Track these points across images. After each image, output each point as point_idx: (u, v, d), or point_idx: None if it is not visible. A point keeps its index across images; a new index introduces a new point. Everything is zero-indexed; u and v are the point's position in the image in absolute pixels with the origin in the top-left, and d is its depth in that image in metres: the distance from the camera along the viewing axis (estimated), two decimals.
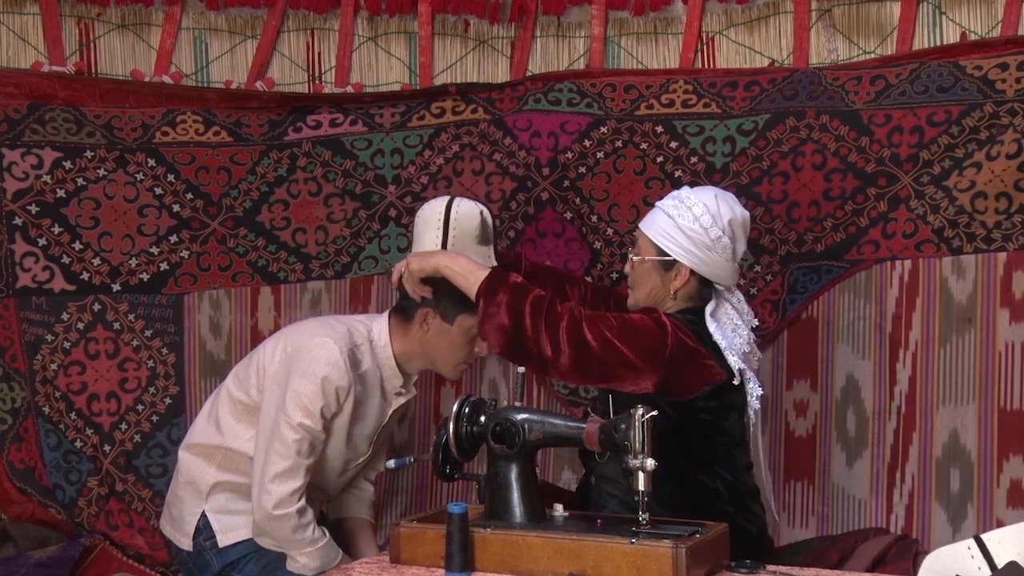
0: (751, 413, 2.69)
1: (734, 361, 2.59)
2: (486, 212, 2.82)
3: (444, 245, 2.74)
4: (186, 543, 2.75)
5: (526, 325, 2.45)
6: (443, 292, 2.71)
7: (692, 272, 2.65)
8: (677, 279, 2.66)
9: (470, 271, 2.57)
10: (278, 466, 2.62)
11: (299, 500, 2.62)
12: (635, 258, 2.72)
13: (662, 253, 2.66)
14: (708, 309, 2.64)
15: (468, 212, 2.77)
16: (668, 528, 2.23)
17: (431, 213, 2.78)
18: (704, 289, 2.68)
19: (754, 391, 2.66)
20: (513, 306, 2.45)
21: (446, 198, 2.80)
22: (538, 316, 2.45)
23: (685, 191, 2.70)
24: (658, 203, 2.72)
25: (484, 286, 2.52)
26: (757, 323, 2.77)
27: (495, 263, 2.79)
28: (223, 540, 2.72)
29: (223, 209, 3.42)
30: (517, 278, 2.55)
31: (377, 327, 2.81)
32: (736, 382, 2.59)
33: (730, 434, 2.65)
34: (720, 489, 2.60)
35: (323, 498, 2.93)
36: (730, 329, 2.65)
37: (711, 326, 2.61)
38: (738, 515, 2.59)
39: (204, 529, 2.73)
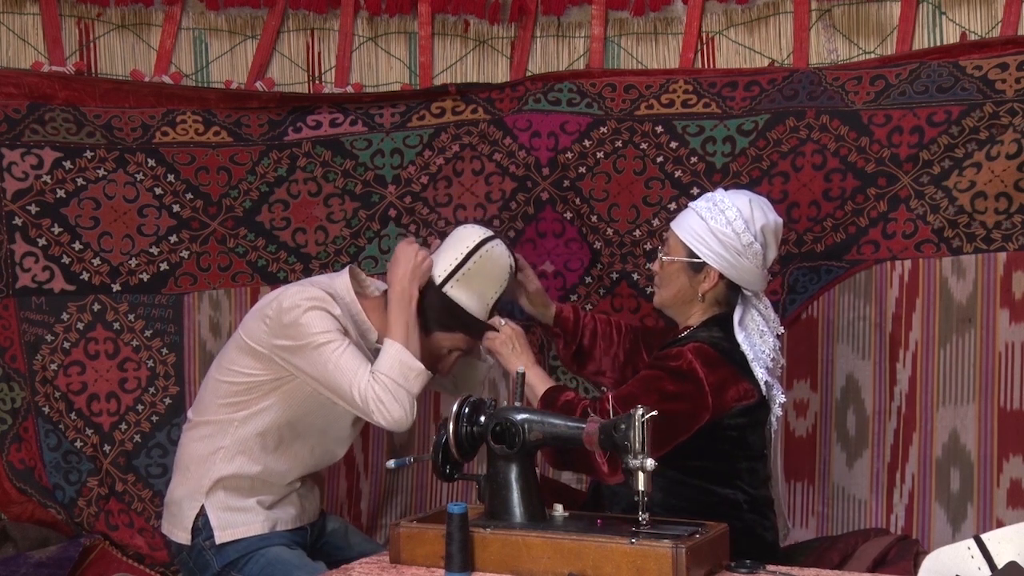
0: (773, 420, 2.69)
1: (760, 373, 2.59)
2: (512, 269, 2.79)
3: (456, 270, 2.73)
4: (184, 537, 2.74)
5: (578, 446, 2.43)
6: (430, 305, 2.73)
7: (720, 276, 2.64)
8: (705, 282, 2.65)
9: (533, 384, 2.63)
10: (347, 384, 2.60)
11: (374, 380, 2.59)
12: (664, 258, 2.72)
13: (692, 255, 2.65)
14: (736, 316, 2.64)
15: (496, 257, 2.76)
16: (668, 528, 2.23)
17: (466, 235, 2.78)
18: (731, 294, 2.67)
19: (778, 399, 2.66)
20: None
21: (487, 233, 2.78)
22: None
23: (719, 193, 2.68)
24: (691, 203, 2.71)
25: (540, 405, 2.58)
26: (783, 330, 2.75)
27: (493, 313, 2.79)
28: (220, 537, 2.71)
29: (223, 209, 3.42)
30: (569, 395, 2.57)
31: (340, 285, 2.78)
32: (765, 394, 2.61)
33: (753, 448, 2.65)
34: (740, 501, 2.60)
35: (331, 464, 2.92)
36: (757, 336, 2.64)
37: (739, 335, 2.60)
38: (756, 524, 2.60)
39: (203, 528, 2.73)
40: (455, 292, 2.73)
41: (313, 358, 2.63)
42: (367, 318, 2.77)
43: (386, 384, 2.60)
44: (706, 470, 2.58)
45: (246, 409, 2.72)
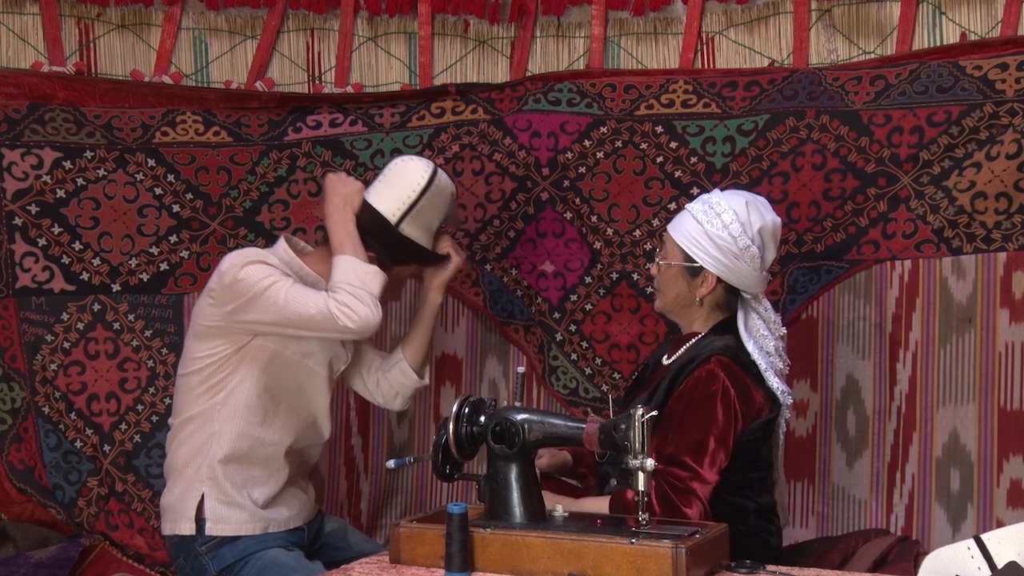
0: (782, 422, 2.69)
1: (775, 383, 2.59)
2: (455, 193, 2.93)
3: (411, 209, 2.78)
4: (189, 528, 2.72)
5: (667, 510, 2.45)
6: (387, 245, 2.79)
7: (718, 280, 2.62)
8: (703, 286, 2.63)
9: (594, 509, 2.55)
10: (306, 308, 2.64)
11: (333, 292, 2.65)
12: (661, 262, 2.70)
13: (689, 259, 2.63)
14: (740, 322, 2.62)
15: (443, 187, 2.84)
16: (668, 528, 2.23)
17: (413, 173, 2.82)
18: (731, 297, 2.66)
19: (786, 400, 2.65)
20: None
21: (430, 165, 2.84)
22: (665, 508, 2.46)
23: (715, 195, 2.65)
24: (687, 206, 2.68)
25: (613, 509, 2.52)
26: (785, 331, 2.73)
27: (435, 239, 2.86)
28: (212, 529, 2.71)
29: (223, 209, 3.41)
30: (629, 494, 2.47)
31: (276, 248, 2.85)
32: (781, 402, 2.62)
33: (763, 459, 2.65)
34: (749, 509, 2.60)
35: (319, 442, 2.92)
36: (761, 340, 2.64)
37: (749, 345, 2.59)
38: (761, 529, 2.60)
39: (202, 523, 2.72)
40: (409, 230, 2.80)
41: (264, 303, 2.66)
42: (312, 271, 2.82)
43: (346, 290, 2.65)
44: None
45: (223, 389, 2.74)
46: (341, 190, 2.82)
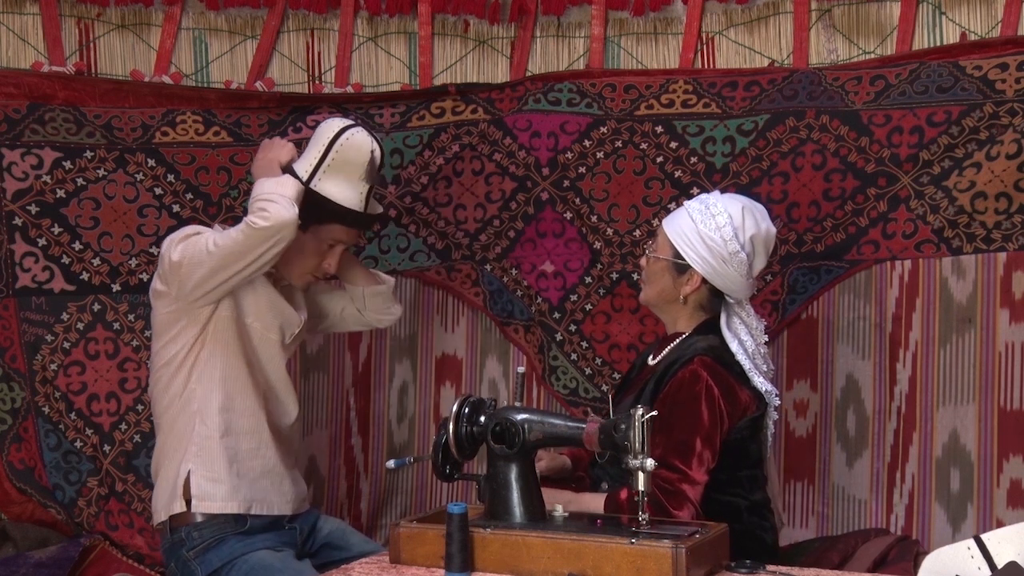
0: (770, 423, 2.69)
1: (760, 382, 2.59)
2: (377, 153, 2.83)
3: (320, 164, 2.77)
4: (179, 506, 2.72)
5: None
6: (302, 206, 2.73)
7: (704, 280, 2.62)
8: (687, 285, 2.64)
9: (589, 506, 2.55)
10: (229, 238, 2.64)
11: (246, 218, 2.65)
12: (651, 255, 2.71)
13: (677, 255, 2.64)
14: (723, 324, 2.62)
15: (357, 144, 2.79)
16: (668, 528, 2.23)
17: (325, 129, 2.81)
18: (715, 299, 2.66)
19: (772, 400, 2.65)
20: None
21: (347, 122, 2.82)
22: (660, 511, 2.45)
23: (714, 196, 2.66)
24: (686, 203, 2.69)
25: (608, 508, 2.52)
26: (767, 339, 2.72)
27: (369, 203, 2.83)
28: (197, 507, 2.70)
29: (223, 209, 3.41)
30: (624, 492, 2.49)
31: (217, 230, 2.86)
32: (767, 401, 2.62)
33: (752, 456, 2.65)
34: (741, 507, 2.60)
35: (289, 419, 2.90)
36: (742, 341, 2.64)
37: (733, 345, 2.59)
38: (755, 527, 2.60)
39: (188, 505, 2.72)
40: (323, 186, 2.77)
41: (199, 257, 2.67)
42: None
43: (258, 198, 2.66)
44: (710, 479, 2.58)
45: (196, 369, 2.75)
46: (273, 151, 2.82)
